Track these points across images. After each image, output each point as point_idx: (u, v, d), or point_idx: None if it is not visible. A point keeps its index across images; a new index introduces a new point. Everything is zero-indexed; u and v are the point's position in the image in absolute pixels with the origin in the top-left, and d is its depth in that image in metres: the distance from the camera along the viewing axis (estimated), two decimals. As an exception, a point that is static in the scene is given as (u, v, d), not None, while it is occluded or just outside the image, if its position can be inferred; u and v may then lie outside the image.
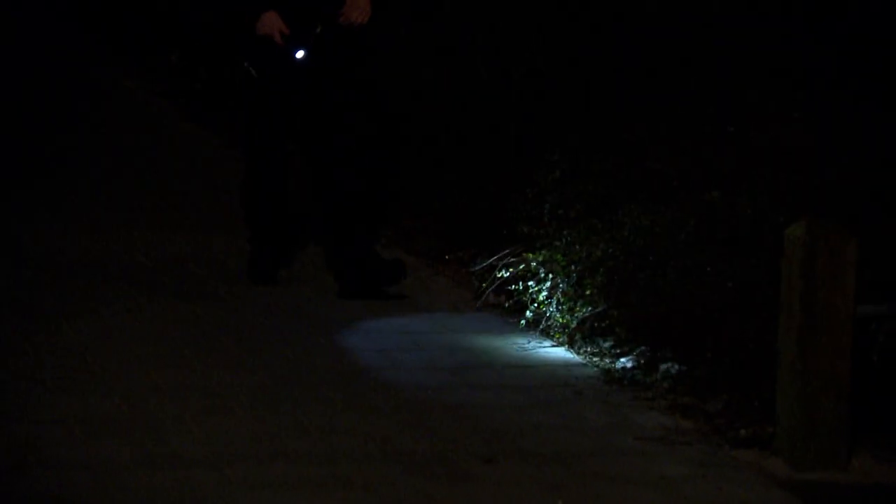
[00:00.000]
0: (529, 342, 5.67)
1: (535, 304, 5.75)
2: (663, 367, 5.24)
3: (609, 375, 5.30)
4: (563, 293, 5.65)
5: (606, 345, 5.49)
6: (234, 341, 5.57)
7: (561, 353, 5.57)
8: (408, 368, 5.36)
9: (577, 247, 5.64)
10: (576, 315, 5.59)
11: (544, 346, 5.63)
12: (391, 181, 7.12)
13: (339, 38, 6.05)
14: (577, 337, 5.57)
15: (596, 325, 5.53)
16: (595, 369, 5.38)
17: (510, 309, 5.97)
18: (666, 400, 5.08)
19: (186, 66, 9.97)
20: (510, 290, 5.98)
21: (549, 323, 5.70)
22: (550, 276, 5.73)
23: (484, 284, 6.16)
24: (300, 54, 5.97)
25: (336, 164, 6.12)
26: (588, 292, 5.56)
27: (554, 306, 5.69)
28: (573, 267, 5.65)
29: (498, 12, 7.42)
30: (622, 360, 5.38)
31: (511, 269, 5.97)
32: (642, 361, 5.32)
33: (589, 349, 5.52)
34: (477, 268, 6.26)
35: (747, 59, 6.34)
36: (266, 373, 5.21)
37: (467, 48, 7.36)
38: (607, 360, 5.41)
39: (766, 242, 5.14)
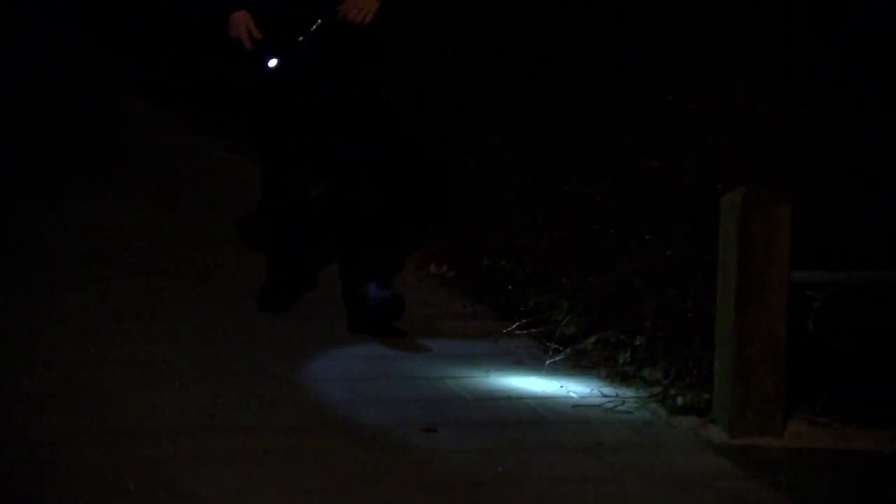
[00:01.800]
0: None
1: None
2: (603, 335, 5.25)
3: (548, 343, 5.30)
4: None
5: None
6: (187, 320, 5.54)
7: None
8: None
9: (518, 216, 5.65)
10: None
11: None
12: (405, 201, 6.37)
13: (340, 37, 5.35)
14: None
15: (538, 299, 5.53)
16: (532, 338, 5.38)
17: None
18: (606, 368, 5.09)
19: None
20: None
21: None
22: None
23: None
24: (273, 63, 5.32)
25: (344, 181, 5.48)
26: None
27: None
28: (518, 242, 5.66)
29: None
30: (562, 327, 5.37)
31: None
32: (582, 329, 5.33)
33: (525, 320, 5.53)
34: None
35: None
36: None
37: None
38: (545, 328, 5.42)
39: (704, 209, 5.15)
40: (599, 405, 4.74)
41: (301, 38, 5.30)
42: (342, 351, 5.23)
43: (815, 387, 4.61)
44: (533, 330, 5.41)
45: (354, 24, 5.30)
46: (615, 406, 4.74)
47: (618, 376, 5.00)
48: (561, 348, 5.23)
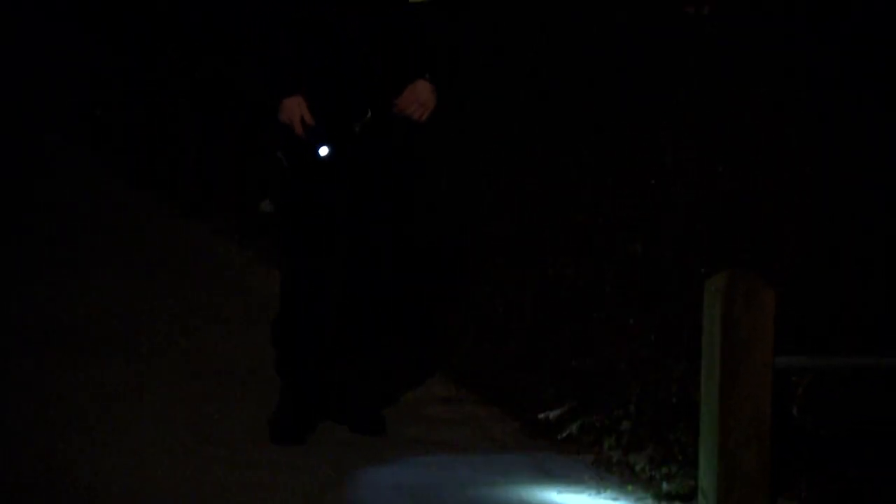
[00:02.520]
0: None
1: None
2: (588, 419, 5.23)
3: (533, 428, 5.28)
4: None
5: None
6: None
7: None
8: None
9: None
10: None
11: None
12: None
13: (391, 133, 4.96)
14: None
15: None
16: (516, 422, 5.36)
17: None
18: (591, 453, 5.07)
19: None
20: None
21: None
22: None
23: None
24: (324, 151, 4.83)
25: (361, 297, 5.08)
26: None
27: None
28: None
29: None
30: (547, 412, 5.35)
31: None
32: (567, 414, 5.31)
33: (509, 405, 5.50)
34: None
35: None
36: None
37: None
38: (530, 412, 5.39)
39: (688, 293, 5.16)
40: (584, 492, 4.71)
41: (357, 128, 4.91)
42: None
43: (800, 471, 4.59)
44: (518, 415, 5.39)
45: (412, 119, 4.93)
46: (600, 492, 4.71)
47: (603, 461, 4.97)
48: (546, 433, 5.22)
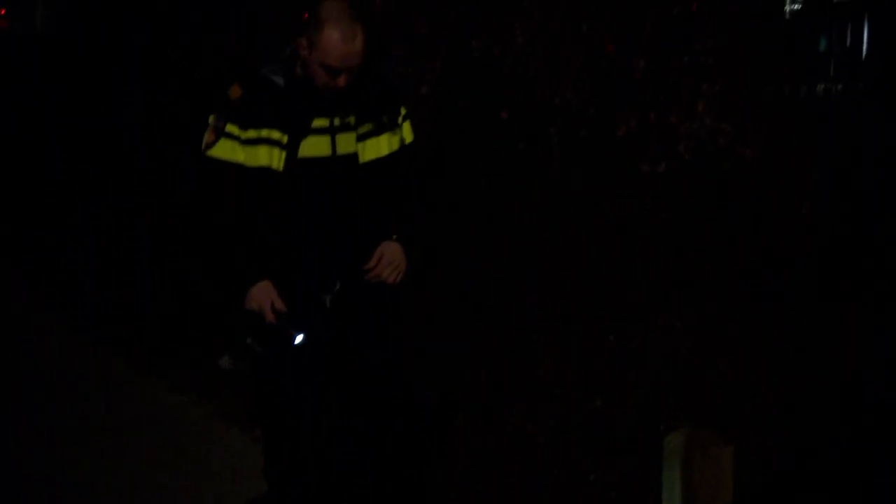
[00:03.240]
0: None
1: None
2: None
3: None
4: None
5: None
6: None
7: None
8: None
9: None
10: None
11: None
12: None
13: (365, 303, 4.71)
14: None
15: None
16: None
17: None
18: None
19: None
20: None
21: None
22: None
23: None
24: (299, 339, 4.51)
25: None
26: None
27: None
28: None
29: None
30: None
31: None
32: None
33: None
34: None
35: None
36: None
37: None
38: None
39: (647, 450, 5.16)
40: None
41: (327, 303, 4.63)
42: None
43: None
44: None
45: (387, 283, 4.70)
46: None
47: None
48: None
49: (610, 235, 6.84)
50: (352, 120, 4.62)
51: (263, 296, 4.54)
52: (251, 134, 4.53)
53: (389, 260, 4.69)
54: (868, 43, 13.70)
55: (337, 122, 4.58)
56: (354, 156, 4.62)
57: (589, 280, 6.64)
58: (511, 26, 7.09)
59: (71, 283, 9.45)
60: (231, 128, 4.54)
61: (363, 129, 4.64)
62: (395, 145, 4.72)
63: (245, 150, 4.52)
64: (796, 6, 13.71)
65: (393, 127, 4.72)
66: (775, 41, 7.81)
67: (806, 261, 6.62)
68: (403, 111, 4.77)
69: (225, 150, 4.54)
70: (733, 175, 7.08)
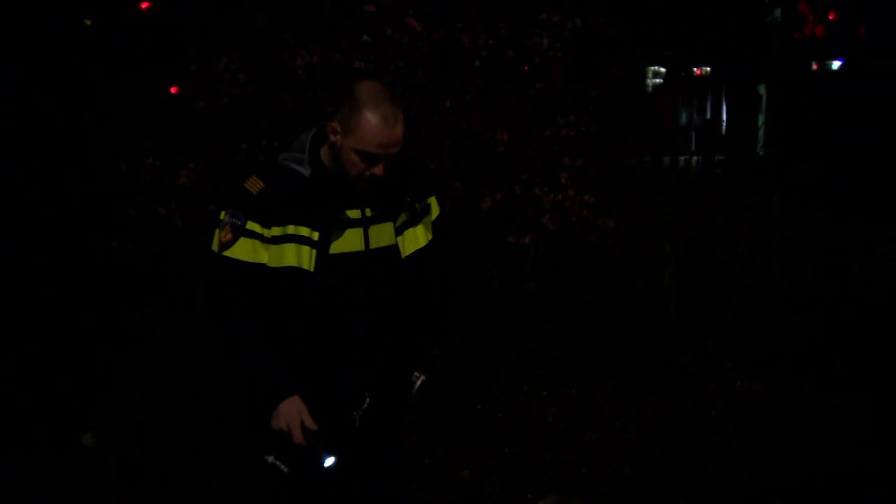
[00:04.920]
0: None
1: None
2: None
3: None
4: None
5: None
6: None
7: None
8: None
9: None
10: None
11: None
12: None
13: (382, 423, 4.24)
14: None
15: None
16: None
17: None
18: None
19: None
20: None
21: None
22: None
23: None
24: (329, 461, 4.01)
25: None
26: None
27: None
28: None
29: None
30: None
31: None
32: None
33: None
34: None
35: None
36: None
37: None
38: None
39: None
40: None
41: (356, 421, 4.18)
42: None
43: None
44: None
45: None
46: None
47: None
48: None
49: (475, 307, 6.91)
50: (385, 210, 4.14)
51: (293, 413, 4.03)
52: (276, 231, 4.04)
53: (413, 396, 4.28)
54: (727, 115, 14.06)
55: (369, 212, 4.11)
56: (391, 249, 4.16)
57: (456, 351, 6.68)
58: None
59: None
60: (252, 225, 4.04)
61: (400, 219, 4.17)
62: (430, 232, 4.26)
63: (269, 250, 4.05)
64: (658, 80, 14.06)
65: (426, 213, 4.26)
66: (636, 115, 8.00)
67: (665, 334, 6.75)
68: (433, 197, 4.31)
69: (246, 251, 4.05)
70: (599, 245, 7.21)
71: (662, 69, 14.18)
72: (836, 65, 14.84)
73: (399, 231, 4.15)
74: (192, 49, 8.00)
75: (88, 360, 8.13)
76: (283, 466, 4.08)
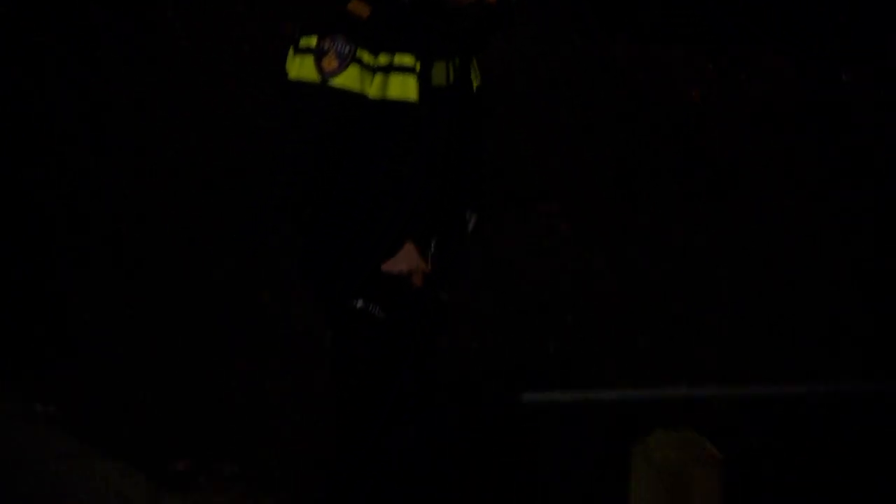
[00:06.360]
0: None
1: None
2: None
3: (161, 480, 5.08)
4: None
5: None
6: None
7: None
8: None
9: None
10: None
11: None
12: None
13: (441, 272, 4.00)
14: None
15: None
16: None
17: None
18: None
19: None
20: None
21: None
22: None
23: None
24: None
25: None
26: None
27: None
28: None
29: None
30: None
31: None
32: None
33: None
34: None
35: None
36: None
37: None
38: None
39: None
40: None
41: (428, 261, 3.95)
42: None
43: None
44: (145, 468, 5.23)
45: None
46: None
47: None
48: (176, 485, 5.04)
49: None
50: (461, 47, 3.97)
51: (414, 256, 3.87)
52: (382, 60, 3.83)
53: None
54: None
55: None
56: (468, 85, 4.03)
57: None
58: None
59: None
60: (361, 53, 3.80)
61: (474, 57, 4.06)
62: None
63: (374, 80, 3.83)
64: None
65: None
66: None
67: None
68: None
69: (353, 80, 3.80)
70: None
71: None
72: None
73: (472, 68, 4.04)
74: None
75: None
76: (379, 312, 3.85)
